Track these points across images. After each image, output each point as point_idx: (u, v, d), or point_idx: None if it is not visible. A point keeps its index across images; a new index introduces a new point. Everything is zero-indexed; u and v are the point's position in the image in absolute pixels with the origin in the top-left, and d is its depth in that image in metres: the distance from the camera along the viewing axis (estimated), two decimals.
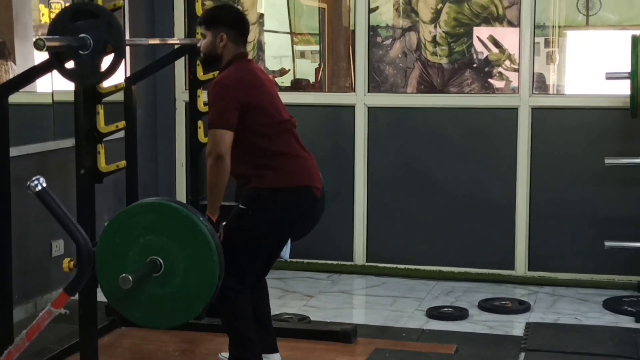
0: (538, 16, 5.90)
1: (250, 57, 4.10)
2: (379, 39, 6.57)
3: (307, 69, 7.74)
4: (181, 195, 6.23)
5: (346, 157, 6.05)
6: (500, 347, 4.61)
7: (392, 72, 6.57)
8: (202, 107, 4.82)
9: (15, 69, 5.08)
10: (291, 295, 5.56)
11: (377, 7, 6.43)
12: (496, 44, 6.41)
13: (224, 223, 3.79)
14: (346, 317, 5.18)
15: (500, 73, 6.49)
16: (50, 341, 4.37)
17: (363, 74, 6.04)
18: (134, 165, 4.70)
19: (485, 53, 6.42)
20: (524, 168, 5.78)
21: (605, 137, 5.64)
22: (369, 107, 6.03)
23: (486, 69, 6.47)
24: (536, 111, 5.76)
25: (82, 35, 3.43)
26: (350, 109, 6.06)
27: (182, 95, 6.21)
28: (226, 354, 3.98)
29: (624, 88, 5.26)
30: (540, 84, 6.40)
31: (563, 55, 7.11)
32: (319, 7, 7.79)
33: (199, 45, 3.98)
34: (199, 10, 4.78)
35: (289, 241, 4.17)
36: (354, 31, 6.19)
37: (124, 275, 3.33)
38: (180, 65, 6.09)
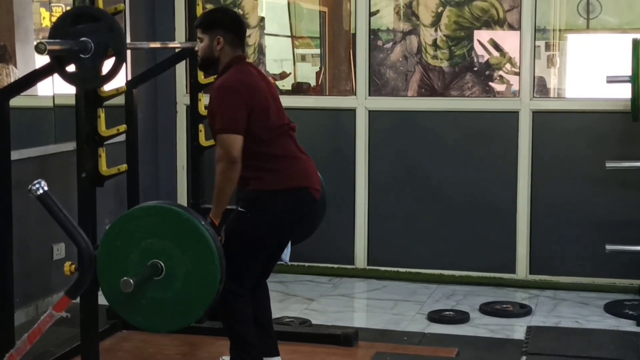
0: (539, 19, 5.91)
1: (251, 60, 4.10)
2: (379, 43, 6.58)
3: (308, 73, 7.74)
4: (182, 198, 6.23)
5: (347, 161, 6.05)
6: (501, 350, 4.61)
7: (393, 75, 6.57)
8: (203, 111, 4.82)
9: (16, 73, 5.08)
10: (292, 298, 5.56)
11: (377, 11, 6.43)
12: (497, 47, 6.42)
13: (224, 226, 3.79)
14: (347, 320, 5.17)
15: (501, 76, 6.49)
16: (52, 344, 4.37)
17: (364, 77, 6.04)
18: (135, 169, 4.70)
19: (486, 56, 6.42)
20: (524, 171, 5.78)
21: (606, 141, 5.64)
22: (369, 111, 6.03)
23: (487, 73, 6.47)
24: (537, 115, 5.76)
25: (83, 38, 3.43)
26: (351, 112, 6.06)
27: (183, 98, 6.22)
28: (227, 358, 3.98)
29: (624, 91, 5.26)
30: (541, 88, 6.41)
31: (564, 58, 7.11)
32: (320, 11, 7.80)
33: (196, 48, 3.98)
34: (199, 14, 4.78)
35: (290, 244, 4.16)
36: (354, 34, 6.19)
37: (125, 278, 3.34)
38: (181, 68, 6.09)
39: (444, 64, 6.44)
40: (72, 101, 3.82)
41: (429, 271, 5.96)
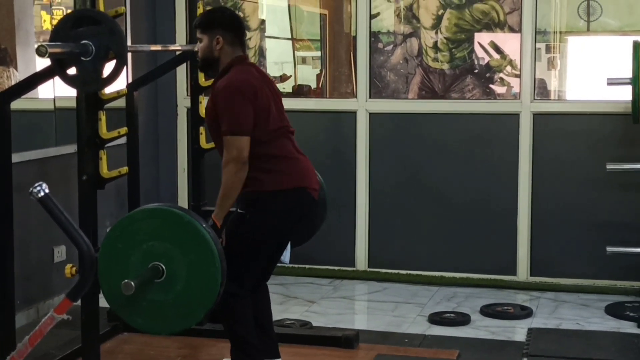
0: (539, 22, 5.91)
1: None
2: (380, 45, 6.58)
3: (308, 75, 7.75)
4: (183, 201, 6.23)
5: (348, 163, 6.05)
6: (502, 352, 4.61)
7: (394, 78, 6.58)
8: (203, 113, 4.82)
9: (17, 75, 5.08)
10: (293, 300, 5.56)
11: (378, 13, 6.44)
12: (497, 49, 6.42)
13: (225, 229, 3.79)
14: (348, 322, 5.17)
15: (501, 79, 6.49)
16: (53, 347, 4.37)
17: (364, 79, 6.05)
18: (135, 171, 4.70)
19: (487, 59, 6.42)
20: (525, 174, 5.78)
21: (606, 143, 5.64)
22: (370, 113, 6.03)
23: (487, 75, 6.47)
24: (537, 117, 5.77)
25: (84, 41, 3.43)
26: (352, 114, 6.06)
27: (183, 101, 6.22)
28: None
29: (625, 94, 5.26)
30: (541, 90, 6.41)
31: (564, 61, 7.11)
32: (320, 13, 7.80)
33: (195, 49, 3.98)
34: None
35: (289, 245, 4.16)
36: (355, 37, 6.20)
37: (126, 281, 3.34)
38: (181, 71, 6.10)
39: (445, 67, 6.45)
40: (73, 104, 3.82)
41: (430, 273, 5.96)
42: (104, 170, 3.85)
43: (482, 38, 6.40)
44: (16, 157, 3.97)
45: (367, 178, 6.04)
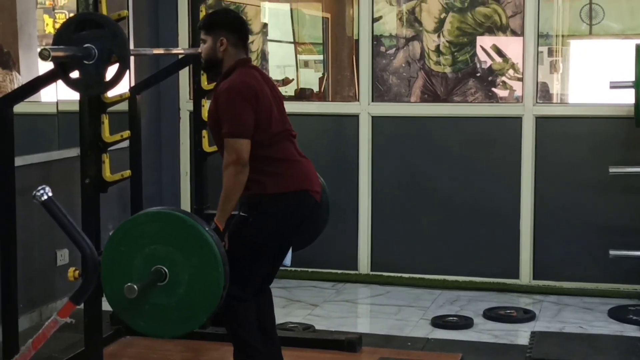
0: (541, 25, 5.90)
1: None
2: (382, 49, 6.58)
3: (310, 79, 7.76)
4: (185, 204, 6.23)
5: (350, 166, 6.05)
6: (505, 356, 4.61)
7: (396, 81, 6.58)
8: (206, 117, 4.81)
9: (20, 79, 5.09)
10: (296, 304, 5.56)
11: (380, 17, 6.44)
12: (499, 53, 6.42)
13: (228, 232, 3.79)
14: (351, 326, 5.17)
15: (503, 82, 6.49)
16: (56, 350, 4.38)
17: (367, 83, 6.05)
18: (138, 175, 4.70)
19: (489, 62, 6.43)
20: (528, 177, 5.78)
21: (609, 146, 5.64)
22: (372, 117, 6.03)
23: (490, 78, 6.47)
24: (540, 120, 5.77)
25: (86, 45, 3.44)
26: (354, 118, 6.06)
27: (186, 104, 6.23)
28: None
29: (628, 97, 5.26)
30: (544, 93, 6.41)
31: (566, 64, 7.12)
32: (323, 17, 7.81)
33: (199, 50, 3.98)
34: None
35: (290, 248, 4.15)
36: (357, 41, 6.20)
37: (129, 284, 3.34)
38: (184, 74, 6.10)
39: (447, 70, 6.45)
40: (76, 107, 3.83)
41: (433, 277, 5.95)
42: (107, 174, 3.86)
43: (485, 41, 6.40)
44: (19, 161, 3.97)
45: (370, 181, 6.04)
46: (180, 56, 5.05)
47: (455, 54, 6.41)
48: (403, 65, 6.54)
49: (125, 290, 3.33)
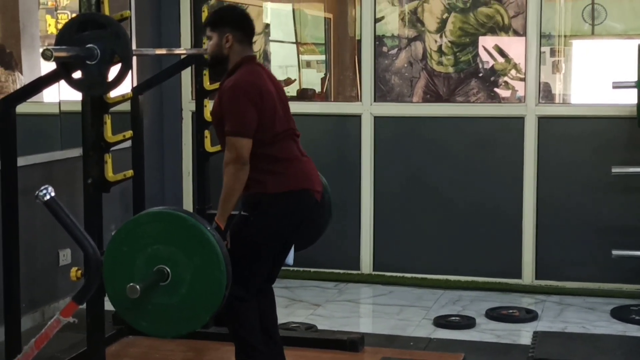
0: (544, 26, 5.90)
1: None
2: (384, 49, 6.59)
3: (313, 79, 7.76)
4: (188, 204, 6.23)
5: (352, 166, 6.06)
6: (507, 356, 4.61)
7: (398, 81, 6.58)
8: (208, 117, 4.82)
9: (22, 80, 5.09)
10: (298, 304, 5.56)
11: (382, 17, 6.44)
12: (502, 53, 6.42)
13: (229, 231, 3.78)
14: (353, 326, 5.18)
15: (506, 82, 6.49)
16: (58, 350, 4.38)
17: (369, 83, 6.05)
18: (140, 175, 4.71)
19: (491, 62, 6.43)
20: (530, 177, 5.77)
21: (611, 146, 5.64)
22: (375, 117, 6.03)
23: (492, 79, 6.47)
24: (542, 120, 5.77)
25: (89, 45, 3.44)
26: (357, 118, 6.06)
27: (188, 105, 6.23)
28: None
29: (630, 97, 5.26)
30: (546, 93, 6.41)
31: (569, 64, 7.11)
32: (325, 17, 7.81)
33: (205, 46, 3.97)
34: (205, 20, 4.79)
35: (293, 247, 4.15)
36: (359, 41, 6.20)
37: (131, 284, 3.34)
38: (186, 75, 6.11)
39: (449, 70, 6.45)
40: (78, 107, 3.83)
41: (435, 276, 5.95)
42: (109, 174, 3.86)
43: (487, 42, 6.40)
44: (21, 161, 3.98)
45: (372, 181, 6.04)
46: (182, 56, 5.05)
47: (458, 54, 6.41)
48: (405, 65, 6.54)
49: (128, 291, 3.34)
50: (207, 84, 4.84)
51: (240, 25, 3.86)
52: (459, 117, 5.97)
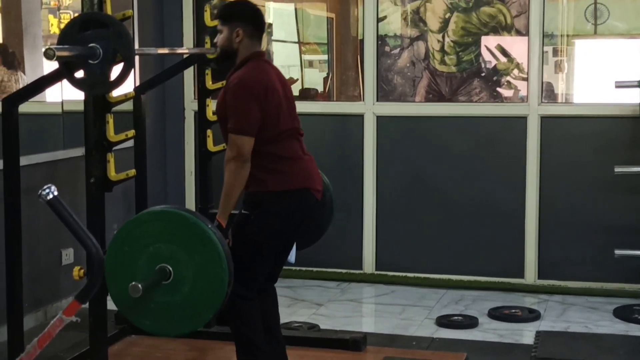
0: (546, 25, 5.90)
1: None
2: (387, 48, 6.57)
3: (315, 79, 7.75)
4: (190, 203, 6.24)
5: (355, 166, 6.05)
6: (510, 355, 4.61)
7: (401, 81, 6.57)
8: (211, 116, 4.83)
9: (25, 79, 5.10)
10: (300, 303, 5.56)
11: (385, 17, 6.43)
12: (504, 53, 6.41)
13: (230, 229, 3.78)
14: (355, 325, 5.18)
15: (508, 82, 6.48)
16: (60, 349, 4.39)
17: (371, 83, 6.05)
18: (143, 174, 4.71)
19: (494, 62, 6.42)
20: (533, 176, 5.77)
21: (614, 146, 5.63)
22: (377, 116, 6.03)
23: (495, 78, 6.46)
24: (545, 120, 5.76)
25: (91, 44, 3.43)
26: (359, 118, 6.07)
27: (191, 104, 6.23)
28: None
29: (633, 96, 5.26)
30: (549, 93, 6.40)
31: (571, 64, 7.10)
32: (327, 17, 7.80)
33: (215, 40, 3.96)
34: (207, 20, 4.80)
35: (295, 245, 4.14)
36: (362, 40, 6.20)
37: (133, 283, 3.34)
38: (189, 74, 6.11)
39: (452, 70, 6.44)
40: (81, 107, 3.83)
41: (438, 276, 5.95)
42: (112, 173, 3.86)
43: (489, 41, 6.39)
44: (24, 160, 3.98)
45: (375, 181, 6.04)
46: (185, 56, 5.05)
47: (460, 53, 6.40)
48: (408, 65, 6.53)
49: (130, 290, 3.34)
50: (209, 84, 4.84)
51: (251, 20, 3.85)
52: (461, 117, 5.97)
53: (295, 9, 7.73)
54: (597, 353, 4.58)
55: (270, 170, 3.74)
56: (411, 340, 4.83)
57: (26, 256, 3.96)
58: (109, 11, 3.76)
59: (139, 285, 3.33)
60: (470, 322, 5.10)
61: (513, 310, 5.31)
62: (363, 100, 6.11)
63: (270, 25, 7.21)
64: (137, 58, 5.18)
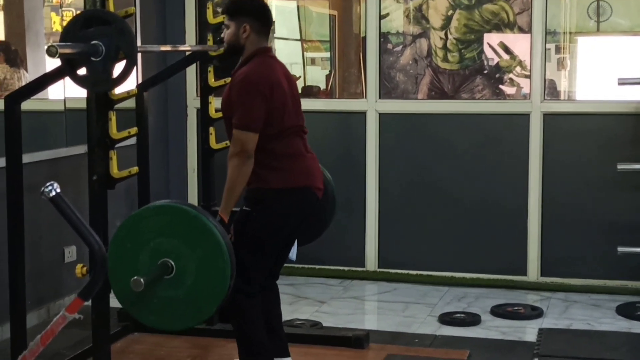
0: (549, 22, 5.90)
1: None
2: (389, 46, 6.57)
3: (317, 76, 7.75)
4: (192, 201, 6.23)
5: (357, 163, 6.05)
6: (512, 353, 4.61)
7: (403, 78, 6.56)
8: (213, 114, 4.83)
9: (27, 77, 5.10)
10: (303, 301, 5.56)
11: (387, 14, 6.43)
12: (507, 50, 6.40)
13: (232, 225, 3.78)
14: (358, 322, 5.17)
15: (511, 79, 6.47)
16: (63, 347, 4.39)
17: (374, 80, 6.05)
18: (145, 172, 4.70)
19: (496, 59, 6.41)
20: (535, 174, 5.77)
21: (617, 143, 5.63)
22: (380, 114, 6.03)
23: (497, 75, 6.46)
24: (548, 117, 5.76)
25: (94, 42, 3.43)
26: (362, 115, 6.06)
27: (193, 102, 6.23)
28: None
29: (636, 94, 5.25)
30: (551, 90, 6.39)
31: (574, 61, 7.09)
32: (330, 14, 7.80)
33: (222, 35, 3.96)
34: (210, 17, 4.79)
35: (296, 242, 4.14)
36: (364, 38, 6.20)
37: (135, 277, 3.33)
38: (191, 72, 6.11)
39: (454, 67, 6.43)
40: (83, 104, 3.83)
41: (440, 273, 5.95)
42: (114, 171, 3.86)
43: (492, 39, 6.39)
44: (27, 158, 3.97)
45: (377, 178, 6.04)
46: (187, 53, 5.05)
47: (463, 51, 6.40)
48: (410, 62, 6.52)
49: (132, 284, 3.33)
50: (212, 81, 4.83)
51: (258, 15, 3.84)
52: (464, 114, 5.97)
53: (298, 7, 7.72)
54: (600, 350, 4.57)
55: (271, 167, 3.74)
56: (414, 338, 4.83)
57: (29, 254, 3.96)
58: (111, 8, 3.75)
59: (141, 280, 3.33)
60: (472, 320, 5.10)
61: (516, 308, 5.30)
62: (365, 97, 6.11)
63: (272, 22, 7.20)
64: (139, 55, 5.18)
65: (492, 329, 5.00)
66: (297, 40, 7.75)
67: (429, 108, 6.16)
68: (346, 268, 6.11)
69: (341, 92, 7.30)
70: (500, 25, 6.31)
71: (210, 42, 4.75)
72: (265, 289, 3.93)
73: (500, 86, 6.48)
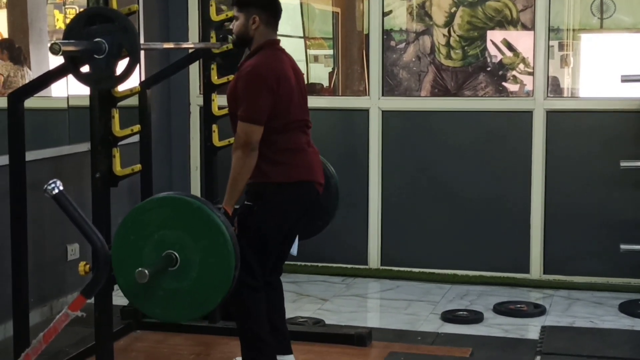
0: (552, 19, 5.89)
1: None
2: (392, 43, 6.57)
3: (320, 73, 7.74)
4: None
5: (360, 161, 6.05)
6: (515, 350, 4.60)
7: (406, 75, 6.56)
8: (216, 111, 4.83)
9: (31, 74, 5.10)
10: (306, 298, 5.57)
11: (390, 11, 6.43)
12: (510, 47, 6.40)
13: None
14: (361, 320, 5.18)
15: (514, 76, 6.47)
16: (66, 344, 4.39)
17: (377, 77, 6.05)
18: (148, 169, 4.71)
19: (499, 56, 6.41)
20: (538, 171, 5.76)
21: (620, 140, 5.62)
22: (383, 111, 6.03)
23: (500, 73, 6.45)
24: (551, 114, 5.75)
25: (97, 39, 3.44)
26: (364, 112, 6.06)
27: (196, 99, 6.23)
28: (240, 359, 3.97)
29: (639, 91, 5.24)
30: (554, 87, 6.39)
31: (577, 58, 7.08)
32: (333, 12, 7.79)
33: (231, 26, 3.95)
34: (213, 15, 4.79)
35: (297, 237, 4.14)
36: (367, 35, 6.19)
37: (140, 269, 3.32)
38: (194, 69, 6.11)
39: (457, 64, 6.43)
40: (86, 102, 3.83)
41: (443, 271, 5.95)
42: (117, 168, 3.86)
43: (495, 36, 6.38)
44: (30, 156, 3.99)
45: (380, 176, 6.04)
46: (190, 50, 5.05)
47: (466, 48, 6.40)
48: (413, 59, 6.52)
49: (137, 276, 3.32)
50: (215, 78, 4.83)
51: (268, 7, 3.84)
52: (467, 111, 5.97)
53: (301, 4, 7.71)
54: (603, 348, 4.57)
55: (272, 161, 3.74)
56: (416, 336, 4.83)
57: (32, 251, 3.97)
58: (114, 6, 3.75)
59: (146, 271, 3.32)
60: (475, 317, 5.10)
61: (518, 306, 5.30)
62: (368, 95, 6.10)
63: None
64: (142, 53, 5.18)
65: (495, 326, 5.00)
66: (300, 37, 7.74)
67: (432, 105, 6.15)
68: (349, 266, 6.11)
69: (344, 89, 7.29)
70: (504, 22, 6.30)
71: (213, 40, 4.75)
72: (269, 286, 3.93)
73: (504, 83, 6.48)
